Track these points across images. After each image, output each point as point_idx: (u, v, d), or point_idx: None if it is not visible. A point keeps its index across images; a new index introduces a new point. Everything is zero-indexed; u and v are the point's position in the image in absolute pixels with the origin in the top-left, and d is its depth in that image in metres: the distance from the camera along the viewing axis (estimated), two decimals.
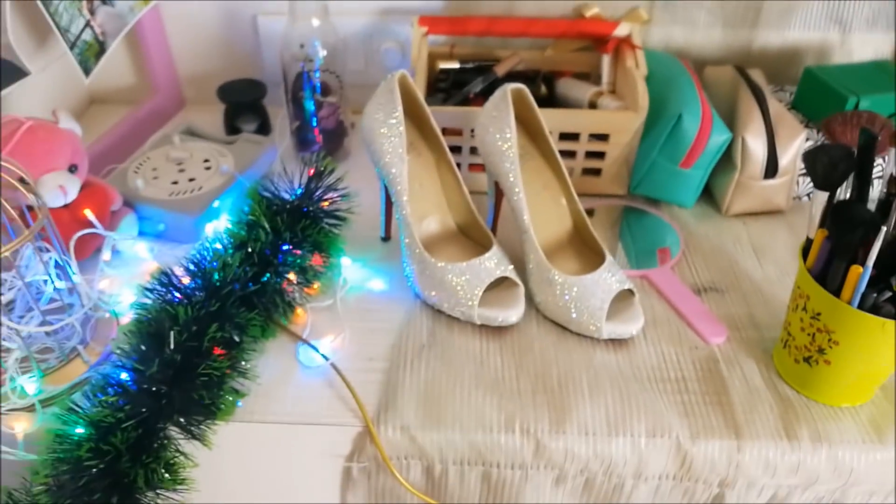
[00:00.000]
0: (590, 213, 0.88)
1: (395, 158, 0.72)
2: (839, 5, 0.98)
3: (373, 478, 0.65)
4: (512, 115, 0.71)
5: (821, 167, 0.57)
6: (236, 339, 0.65)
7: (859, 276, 0.55)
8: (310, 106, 0.92)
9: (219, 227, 0.77)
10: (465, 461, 0.63)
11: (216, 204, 0.82)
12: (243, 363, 0.65)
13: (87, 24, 0.86)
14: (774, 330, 0.71)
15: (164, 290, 0.65)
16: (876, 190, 0.59)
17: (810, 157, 0.57)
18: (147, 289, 0.65)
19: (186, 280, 0.67)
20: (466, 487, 0.65)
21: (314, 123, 0.94)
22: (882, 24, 0.99)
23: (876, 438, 0.61)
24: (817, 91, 0.89)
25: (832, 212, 0.57)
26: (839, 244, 0.56)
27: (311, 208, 0.75)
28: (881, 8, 0.98)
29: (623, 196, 0.91)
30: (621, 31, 0.92)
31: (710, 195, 0.90)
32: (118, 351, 0.60)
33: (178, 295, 0.65)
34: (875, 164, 0.82)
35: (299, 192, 0.76)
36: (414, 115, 0.78)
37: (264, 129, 1.02)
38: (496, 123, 0.72)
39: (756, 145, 0.82)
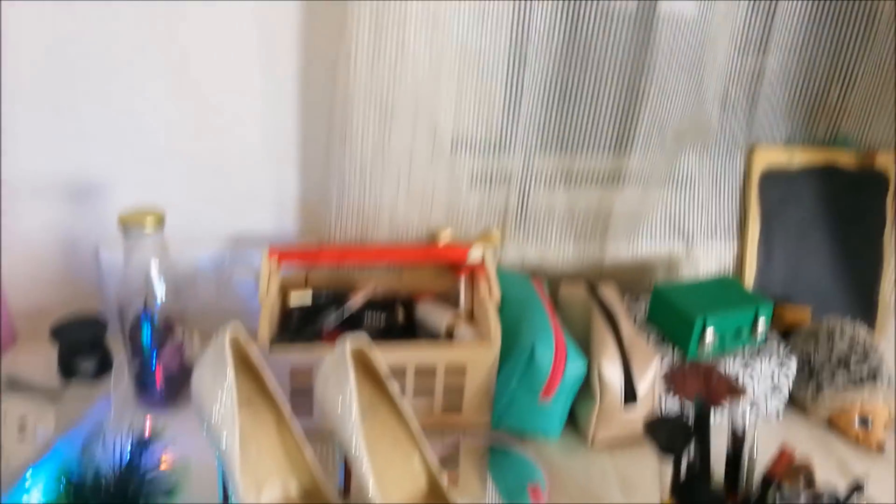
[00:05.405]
0: (455, 454, 0.83)
1: (225, 421, 0.65)
2: (679, 217, 1.03)
3: None
4: (352, 377, 0.67)
5: (662, 438, 0.55)
6: None
7: None
8: (149, 348, 0.86)
9: None
10: None
11: (28, 483, 0.72)
12: None
13: None
14: None
15: None
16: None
17: (651, 429, 0.56)
18: None
19: None
20: None
21: (153, 368, 0.86)
22: (720, 234, 1.04)
23: None
24: (667, 310, 0.91)
25: (678, 492, 0.54)
26: None
27: (132, 487, 0.66)
28: (717, 218, 1.03)
29: (487, 431, 0.86)
30: (474, 256, 0.92)
31: (577, 424, 0.87)
32: None
33: None
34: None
35: (121, 466, 0.67)
36: (250, 371, 0.72)
37: (105, 369, 0.94)
38: (336, 387, 0.67)
39: (612, 374, 0.80)
